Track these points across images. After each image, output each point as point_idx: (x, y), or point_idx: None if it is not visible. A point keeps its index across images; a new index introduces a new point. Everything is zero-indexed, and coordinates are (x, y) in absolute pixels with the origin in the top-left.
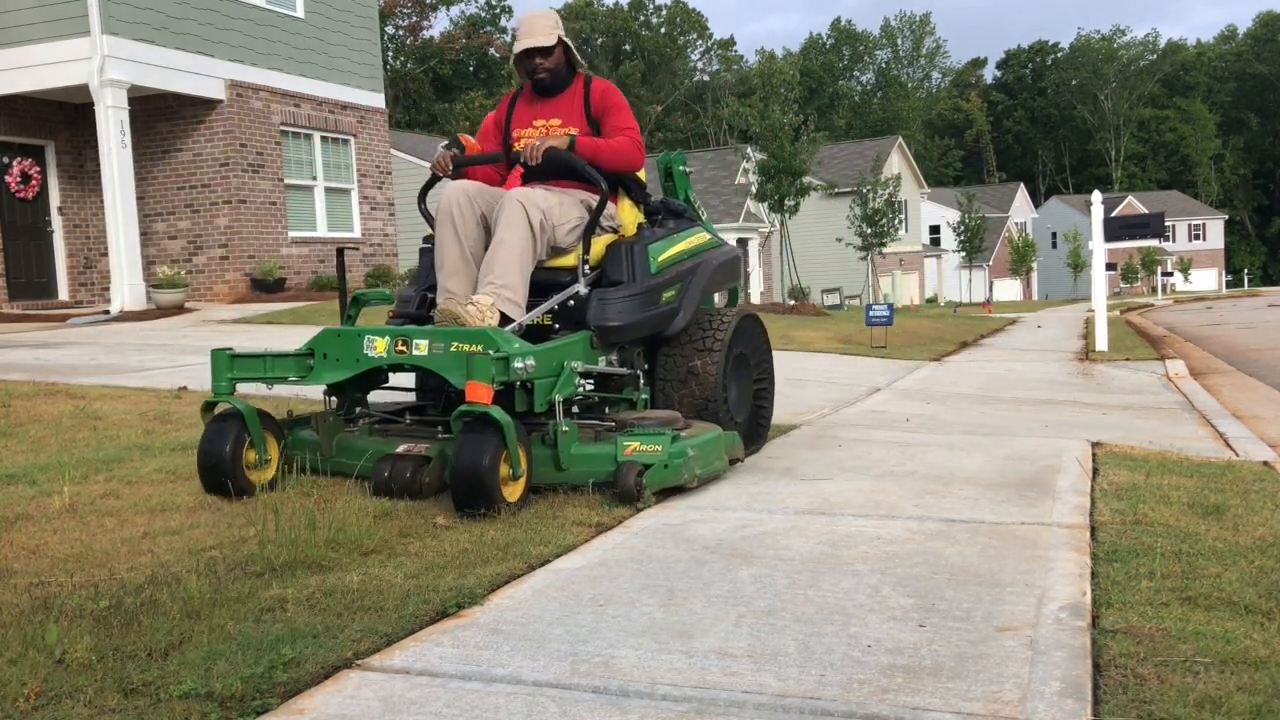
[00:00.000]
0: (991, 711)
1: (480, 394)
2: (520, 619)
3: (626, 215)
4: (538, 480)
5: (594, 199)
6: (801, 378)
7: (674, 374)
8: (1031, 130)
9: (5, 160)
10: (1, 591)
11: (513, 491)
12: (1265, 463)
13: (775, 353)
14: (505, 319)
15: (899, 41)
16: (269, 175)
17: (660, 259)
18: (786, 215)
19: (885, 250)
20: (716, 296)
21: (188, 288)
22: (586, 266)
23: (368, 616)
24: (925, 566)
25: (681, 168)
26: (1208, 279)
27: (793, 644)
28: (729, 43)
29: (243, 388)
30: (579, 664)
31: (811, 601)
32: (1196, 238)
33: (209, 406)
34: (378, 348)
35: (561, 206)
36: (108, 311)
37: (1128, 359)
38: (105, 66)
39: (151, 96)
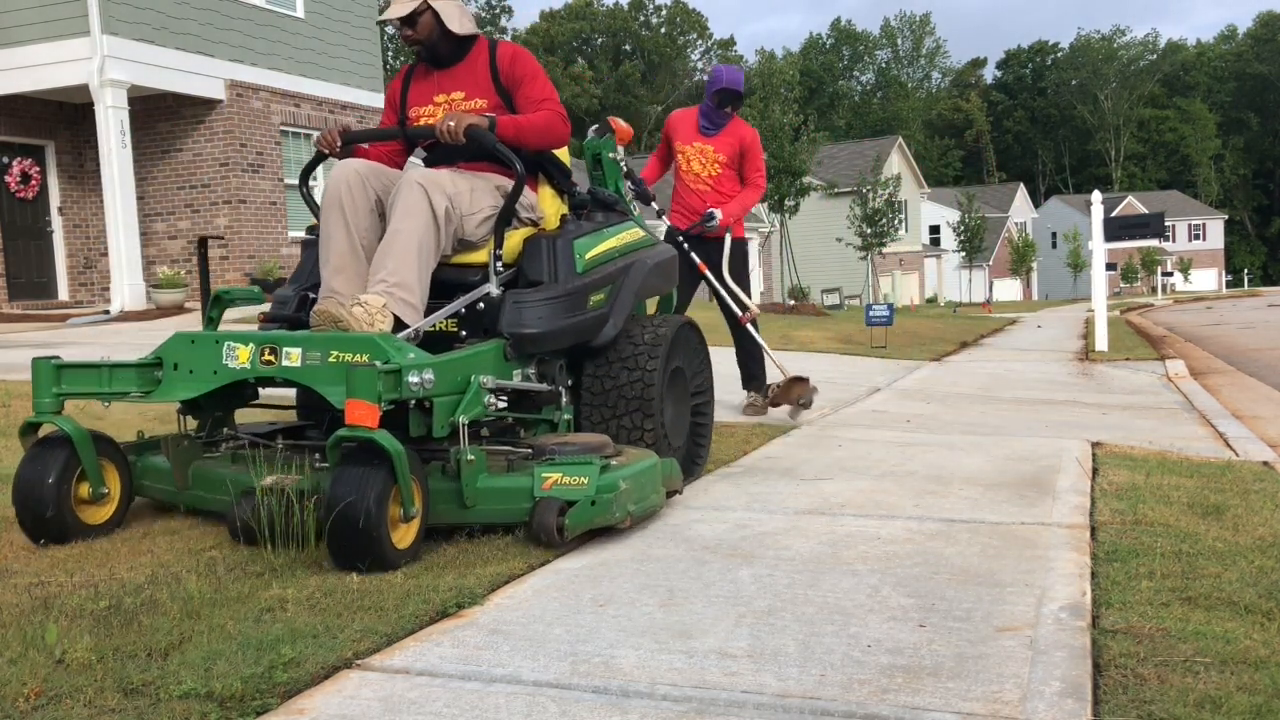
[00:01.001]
0: (991, 711)
1: (363, 415)
2: (520, 619)
3: (548, 205)
4: (436, 521)
5: (510, 184)
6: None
7: (603, 391)
8: (1031, 130)
9: (5, 160)
10: (1, 591)
11: (403, 536)
12: (1265, 463)
13: (775, 352)
14: (400, 324)
15: (899, 41)
16: (269, 175)
17: (587, 256)
18: (786, 215)
19: (885, 250)
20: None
21: (188, 287)
22: (500, 264)
23: (368, 616)
24: (925, 566)
25: (611, 154)
26: (1208, 279)
27: (793, 644)
28: (729, 43)
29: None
30: (579, 664)
31: (811, 601)
32: (1196, 238)
33: (29, 428)
34: (240, 357)
35: (472, 193)
36: (108, 311)
37: (1128, 359)
38: (105, 66)
39: (151, 96)
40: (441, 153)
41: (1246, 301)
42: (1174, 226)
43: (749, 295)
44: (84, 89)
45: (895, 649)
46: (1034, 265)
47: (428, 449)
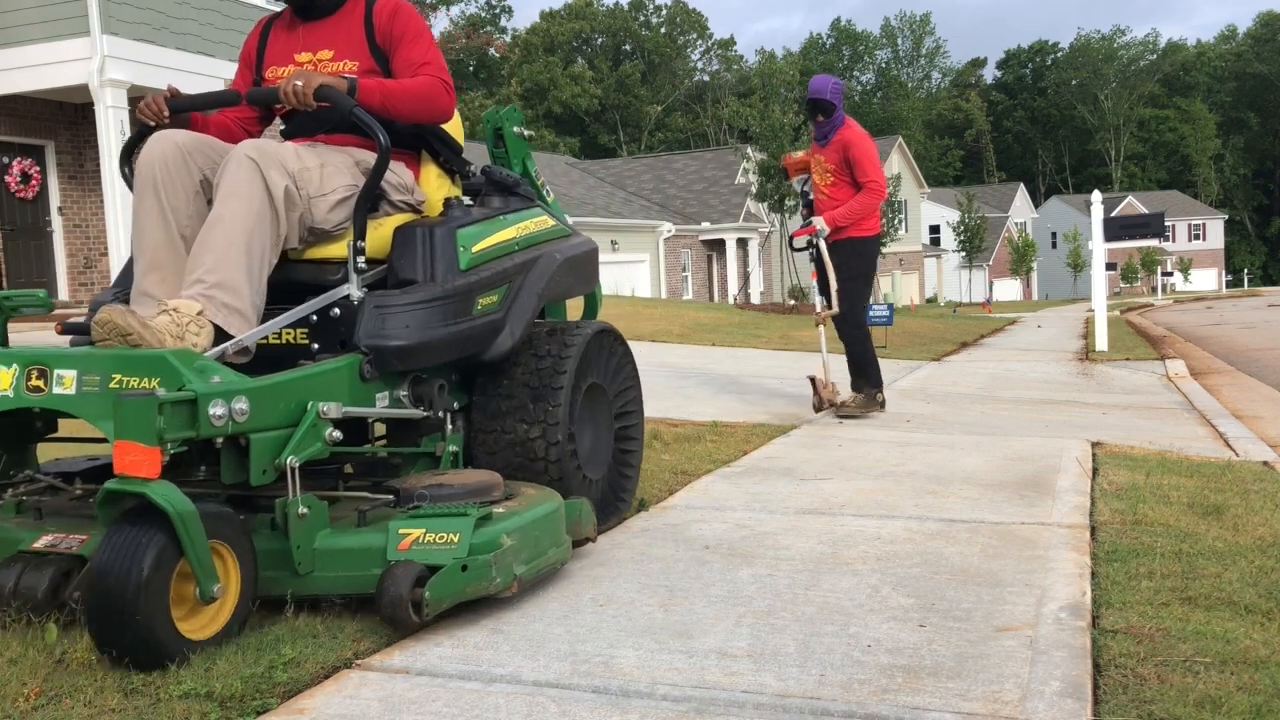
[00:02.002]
0: (991, 711)
1: (137, 461)
2: (520, 619)
3: (433, 188)
4: (265, 591)
5: (403, 165)
6: (804, 375)
7: (499, 415)
8: (1031, 130)
9: (5, 160)
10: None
11: (202, 623)
12: (1265, 463)
13: (776, 353)
14: (222, 335)
15: (899, 41)
16: None
17: (474, 250)
18: (786, 215)
19: (885, 250)
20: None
21: None
22: (362, 259)
23: (367, 617)
24: (925, 566)
25: (517, 128)
26: (1208, 279)
27: (793, 644)
28: (729, 43)
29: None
30: (579, 664)
31: (811, 601)
32: (1196, 238)
33: None
34: (1, 382)
35: (324, 170)
36: None
37: (1128, 359)
38: (105, 66)
39: None
40: (302, 124)
41: (1246, 301)
42: (1174, 226)
43: (868, 297)
44: (84, 89)
45: (895, 649)
46: (1034, 265)
47: (262, 498)
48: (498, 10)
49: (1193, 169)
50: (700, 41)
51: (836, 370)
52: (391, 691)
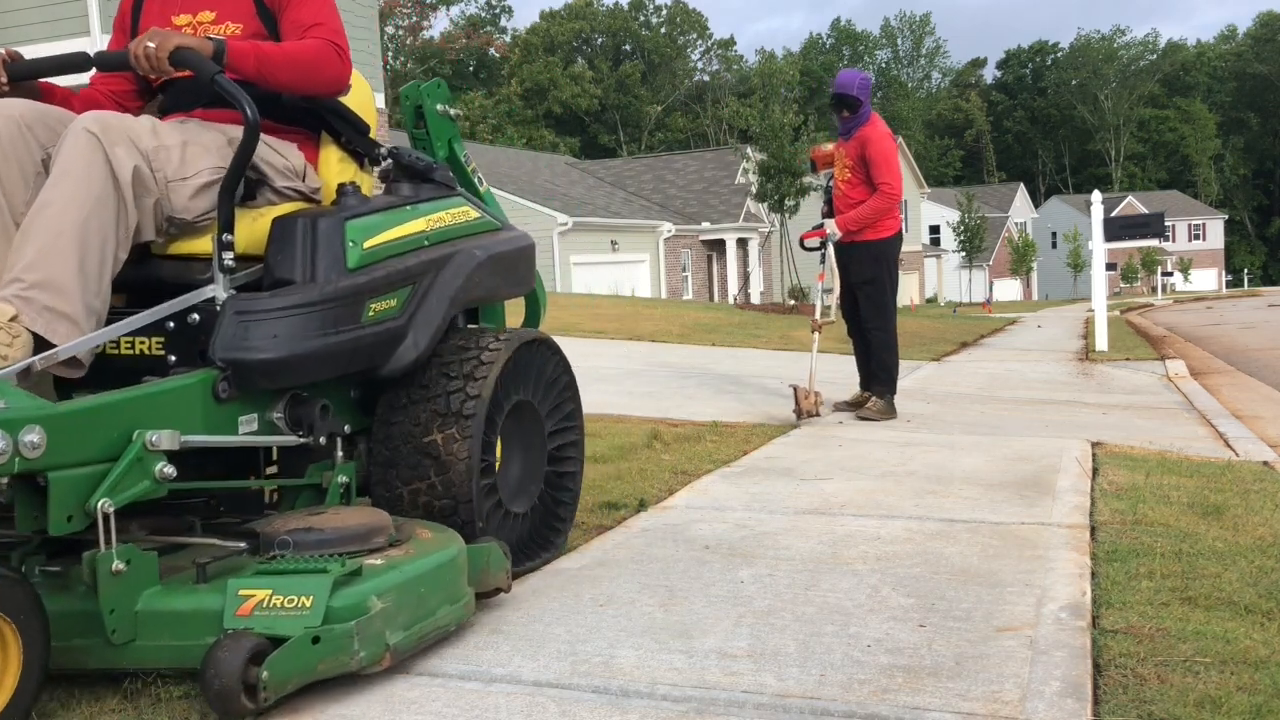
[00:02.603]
0: (991, 711)
1: None
2: (520, 619)
3: (333, 173)
4: (75, 663)
5: (292, 147)
6: (801, 378)
7: (401, 440)
8: (1031, 130)
9: None
10: None
11: None
12: (1265, 463)
13: (776, 353)
14: (44, 344)
15: (899, 41)
16: None
17: (368, 245)
18: (786, 215)
19: None
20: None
21: None
22: (230, 255)
23: None
24: (925, 566)
25: (441, 106)
26: (1208, 279)
27: (793, 644)
28: (729, 43)
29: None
30: (579, 664)
31: (811, 601)
32: (1196, 238)
33: None
34: None
35: (188, 149)
36: None
37: (1128, 359)
38: None
39: None
40: (178, 96)
41: (1247, 301)
42: (1174, 226)
43: (894, 300)
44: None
45: (895, 649)
46: (1034, 265)
47: (80, 545)
48: (498, 10)
49: (1193, 169)
50: (700, 41)
51: (821, 380)
52: (391, 691)
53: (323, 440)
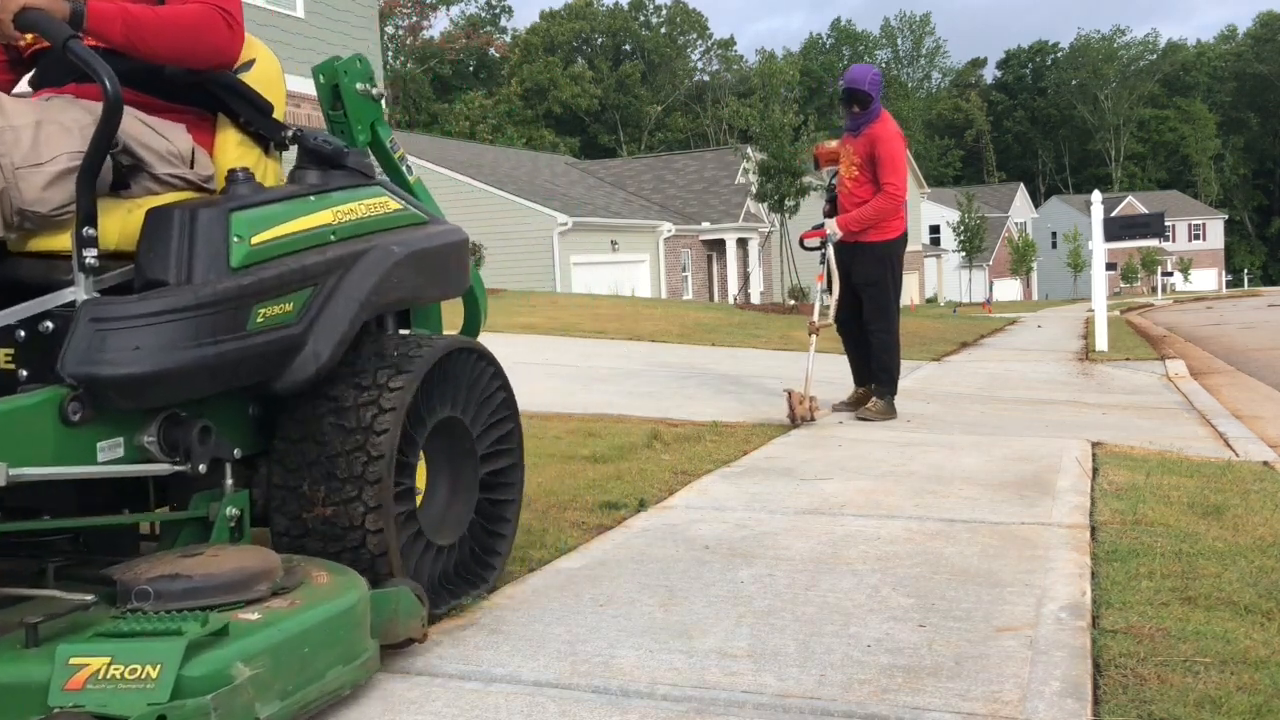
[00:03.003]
0: (991, 711)
1: None
2: (520, 619)
3: (230, 160)
4: None
5: (179, 129)
6: (801, 378)
7: (300, 469)
8: (1031, 130)
9: None
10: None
11: None
12: (1265, 463)
13: (776, 353)
14: None
15: (899, 41)
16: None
17: (257, 240)
18: (786, 215)
19: None
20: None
21: None
22: (92, 252)
23: None
24: (925, 566)
25: (361, 85)
26: (1208, 279)
27: (793, 644)
28: (729, 43)
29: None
30: (579, 664)
31: (811, 601)
32: (1196, 238)
33: None
34: None
35: (42, 130)
36: None
37: (1128, 359)
38: None
39: None
40: (48, 70)
41: (1247, 301)
42: (1174, 226)
43: (897, 301)
44: None
45: (895, 649)
46: (1034, 265)
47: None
48: (498, 10)
49: (1193, 169)
50: (700, 41)
51: (819, 381)
52: (391, 691)
53: (203, 468)
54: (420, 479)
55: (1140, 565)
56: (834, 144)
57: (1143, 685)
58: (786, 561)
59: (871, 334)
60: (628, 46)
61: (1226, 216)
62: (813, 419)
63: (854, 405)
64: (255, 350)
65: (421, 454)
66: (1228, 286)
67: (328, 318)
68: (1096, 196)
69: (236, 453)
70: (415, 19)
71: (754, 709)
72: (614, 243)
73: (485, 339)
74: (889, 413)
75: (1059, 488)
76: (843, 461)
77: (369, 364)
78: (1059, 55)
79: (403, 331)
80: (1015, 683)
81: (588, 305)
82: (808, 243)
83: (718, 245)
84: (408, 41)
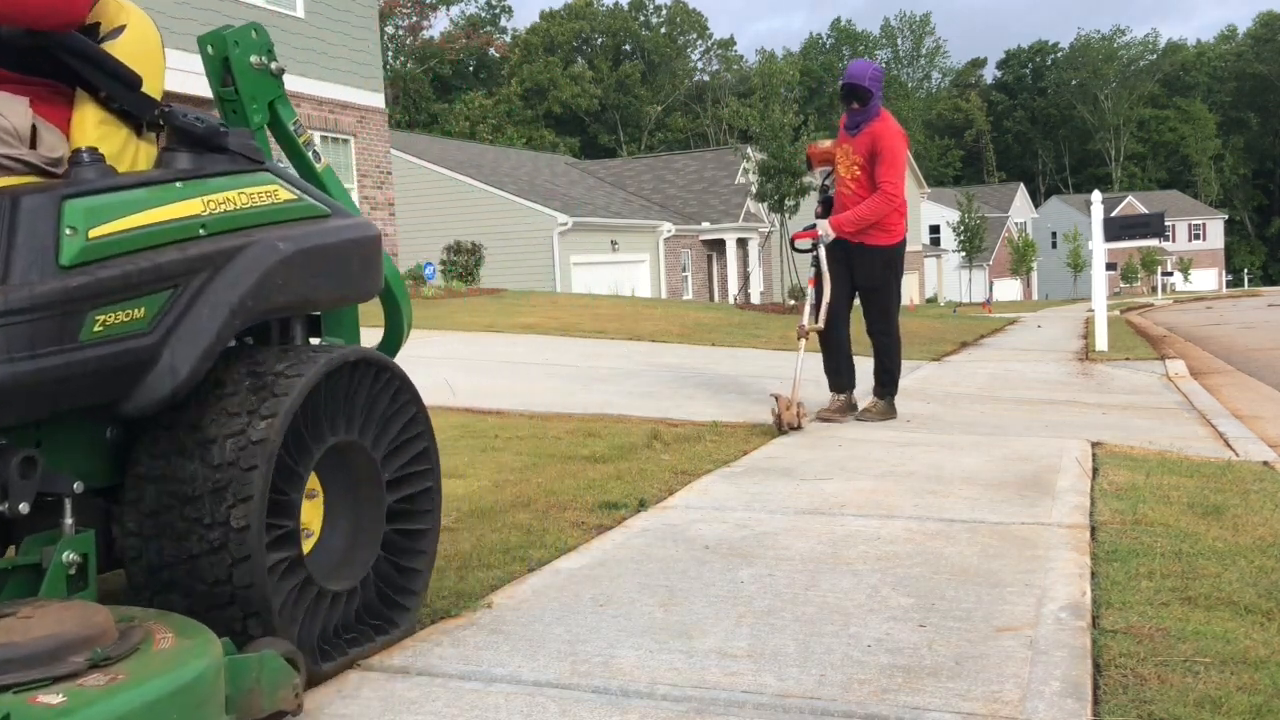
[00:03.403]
0: (991, 711)
1: None
2: (520, 619)
3: (89, 139)
4: None
5: (19, 103)
6: (801, 378)
7: (158, 505)
8: (1031, 130)
9: None
10: None
11: None
12: (1265, 463)
13: (776, 353)
14: None
15: (899, 41)
16: None
17: (97, 233)
18: (786, 215)
19: None
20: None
21: None
22: None
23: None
24: (925, 566)
25: (256, 57)
26: (1208, 279)
27: (793, 644)
28: (729, 43)
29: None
30: (579, 664)
31: (811, 601)
32: (1196, 238)
33: None
34: None
35: None
36: None
37: (1128, 359)
38: None
39: None
40: None
41: (1246, 301)
42: (1174, 226)
43: (898, 303)
44: None
45: (895, 649)
46: (1034, 265)
47: None
48: (498, 10)
49: (1193, 169)
50: (700, 41)
51: (810, 381)
52: (391, 691)
53: (24, 507)
54: (314, 515)
55: (1140, 565)
56: (827, 144)
57: (1143, 685)
58: (786, 561)
59: (875, 337)
60: (628, 46)
61: (1226, 216)
62: (799, 426)
63: (840, 413)
64: (90, 365)
65: (319, 485)
66: (1228, 286)
67: (189, 326)
68: (1096, 196)
69: (78, 486)
70: (415, 19)
71: (754, 709)
72: (614, 243)
73: (486, 339)
74: (889, 413)
75: (1059, 488)
76: (843, 461)
77: (240, 384)
78: (1059, 55)
79: (314, 341)
80: (1015, 683)
81: (588, 305)
82: (799, 244)
83: (718, 245)
84: (408, 41)
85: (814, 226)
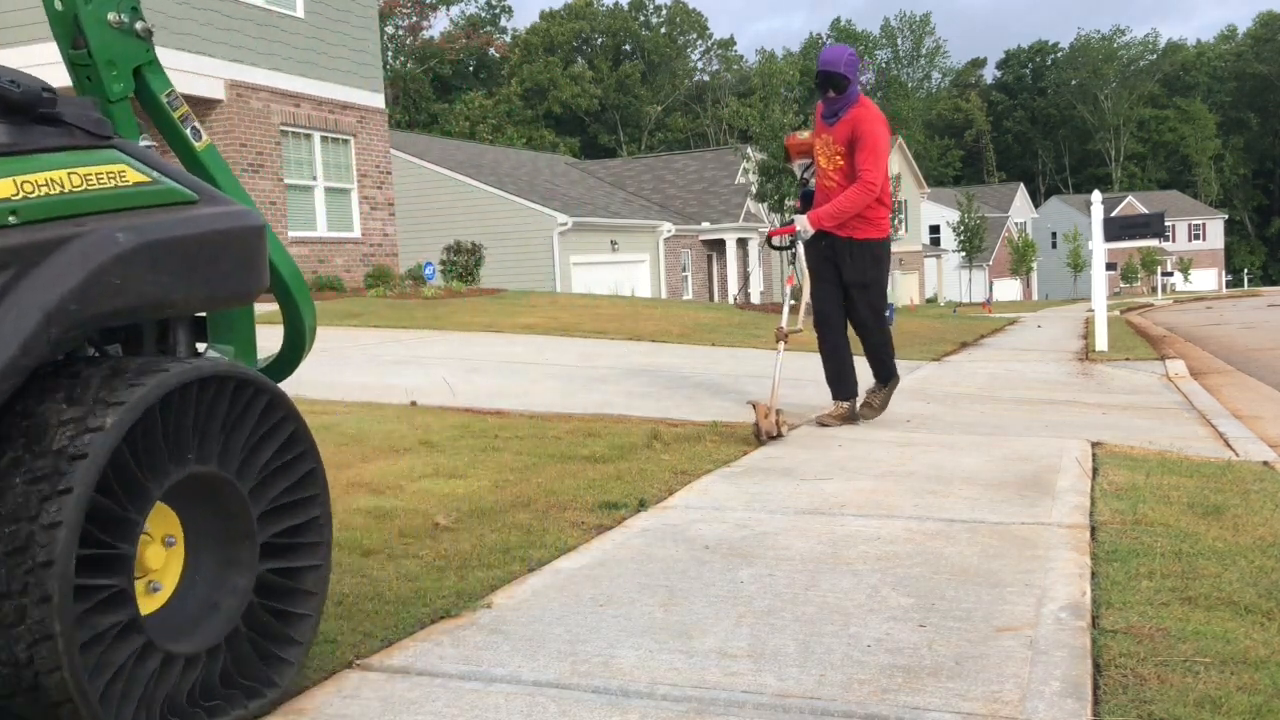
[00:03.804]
0: (991, 711)
1: None
2: (520, 619)
3: None
4: None
5: None
6: (800, 378)
7: None
8: (1031, 130)
9: None
10: None
11: None
12: (1265, 463)
13: (774, 353)
14: None
15: (899, 41)
16: (269, 175)
17: None
18: (787, 215)
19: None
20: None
21: None
22: None
23: (368, 618)
24: (925, 566)
25: (114, 15)
26: (1208, 279)
27: (793, 644)
28: (729, 43)
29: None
30: (579, 664)
31: (811, 601)
32: (1196, 238)
33: None
34: None
35: None
36: None
37: (1128, 359)
38: None
39: None
40: None
41: (1247, 301)
42: (1174, 226)
43: (885, 300)
44: None
45: (895, 649)
46: (1034, 265)
47: None
48: (498, 10)
49: (1193, 169)
50: (700, 41)
51: (791, 381)
52: (391, 691)
53: None
54: (171, 565)
55: (1140, 565)
56: (806, 135)
57: (1143, 685)
58: (786, 561)
59: (867, 334)
60: (628, 46)
61: (1226, 216)
62: (779, 434)
63: (840, 420)
64: None
65: (179, 528)
66: (1227, 286)
67: None
68: (1096, 196)
69: None
70: (415, 19)
71: (754, 709)
72: (614, 243)
73: (486, 339)
74: (886, 402)
75: (1059, 488)
76: (843, 461)
77: (50, 414)
78: (1059, 55)
79: (200, 348)
80: (1015, 683)
81: (588, 305)
82: (776, 240)
83: (718, 245)
84: (408, 41)
85: (792, 222)
